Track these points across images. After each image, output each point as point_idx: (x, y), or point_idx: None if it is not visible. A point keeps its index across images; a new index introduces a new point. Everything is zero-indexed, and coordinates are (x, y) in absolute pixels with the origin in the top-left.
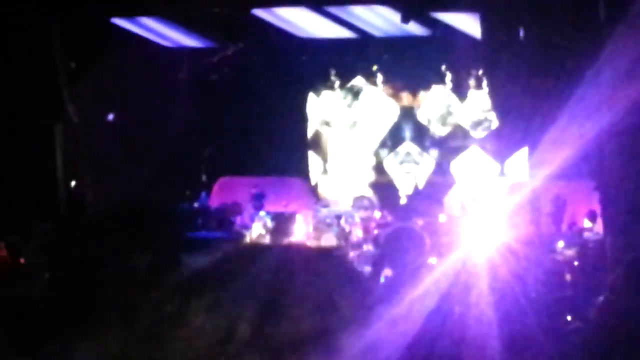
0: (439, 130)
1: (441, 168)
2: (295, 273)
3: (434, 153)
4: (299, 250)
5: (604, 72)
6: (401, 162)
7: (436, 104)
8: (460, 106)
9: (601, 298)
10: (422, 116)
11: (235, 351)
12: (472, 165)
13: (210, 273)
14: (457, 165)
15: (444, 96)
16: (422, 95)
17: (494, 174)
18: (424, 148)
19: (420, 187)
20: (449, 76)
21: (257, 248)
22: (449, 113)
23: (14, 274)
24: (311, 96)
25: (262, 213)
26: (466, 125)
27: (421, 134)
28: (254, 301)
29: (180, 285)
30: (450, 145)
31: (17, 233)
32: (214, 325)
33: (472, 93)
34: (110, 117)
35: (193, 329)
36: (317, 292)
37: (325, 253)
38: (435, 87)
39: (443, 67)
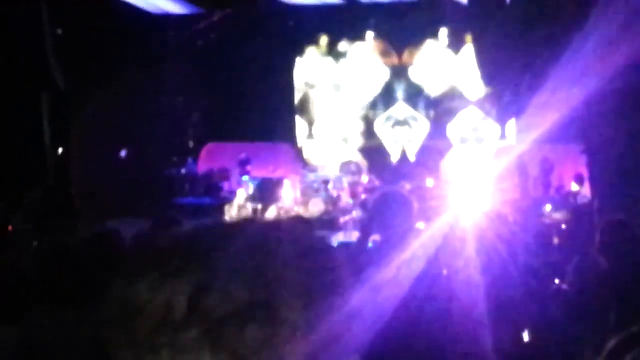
0: (434, 90)
1: (436, 130)
2: (230, 247)
3: (429, 114)
4: (240, 224)
5: (590, 37)
6: (393, 125)
7: (430, 60)
8: (455, 62)
9: (579, 259)
10: (415, 75)
11: (176, 327)
12: (469, 128)
13: (153, 252)
14: (454, 128)
15: (438, 52)
16: (415, 52)
17: (494, 136)
18: (418, 109)
19: (414, 150)
20: (442, 31)
21: (197, 227)
22: (444, 70)
23: (1, 242)
24: (298, 60)
25: (244, 178)
26: (463, 84)
27: (415, 95)
28: (191, 278)
29: (129, 262)
30: (446, 106)
31: (5, 200)
32: (154, 302)
33: (468, 48)
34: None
35: (136, 306)
36: (254, 263)
37: (269, 224)
38: (428, 42)
39: (435, 25)
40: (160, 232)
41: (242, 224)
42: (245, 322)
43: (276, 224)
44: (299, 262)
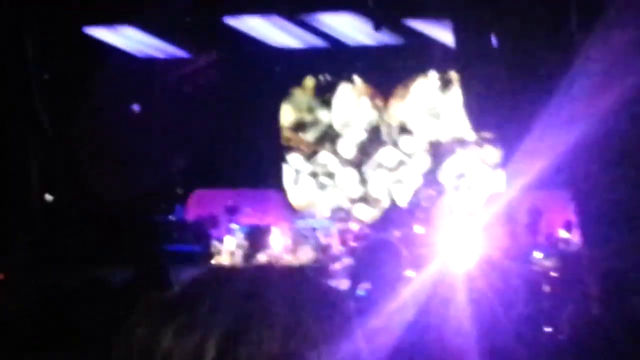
0: (424, 135)
1: (427, 176)
2: (264, 295)
3: (420, 159)
4: (269, 271)
5: (577, 81)
6: (382, 170)
7: (419, 104)
8: (446, 106)
9: (571, 308)
10: (404, 119)
11: None
12: (461, 174)
13: (179, 296)
14: (445, 173)
15: (428, 95)
16: (403, 96)
17: (486, 183)
18: (408, 154)
19: (404, 196)
20: (431, 74)
21: (225, 271)
22: (435, 115)
23: None
24: (284, 104)
25: (233, 226)
26: (454, 129)
27: (404, 139)
28: (221, 325)
29: (151, 307)
30: (437, 151)
31: None
32: (181, 349)
33: (457, 91)
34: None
35: (161, 353)
36: (287, 313)
37: (294, 272)
38: (417, 86)
39: (423, 69)
40: (145, 280)
41: (274, 271)
42: None
43: (305, 275)
44: (326, 315)
